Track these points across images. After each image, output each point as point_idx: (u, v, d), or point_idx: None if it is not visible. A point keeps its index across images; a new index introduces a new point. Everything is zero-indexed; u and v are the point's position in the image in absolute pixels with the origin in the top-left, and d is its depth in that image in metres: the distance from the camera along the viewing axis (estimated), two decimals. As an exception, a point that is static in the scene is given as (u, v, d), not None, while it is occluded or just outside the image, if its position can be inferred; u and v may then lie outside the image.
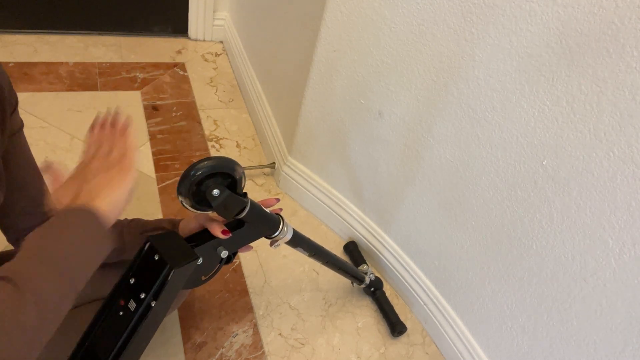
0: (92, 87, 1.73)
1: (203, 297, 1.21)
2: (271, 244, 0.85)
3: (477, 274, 1.07)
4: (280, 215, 0.82)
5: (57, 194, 0.60)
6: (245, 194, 0.70)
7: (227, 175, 0.66)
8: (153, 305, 0.61)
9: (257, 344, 1.14)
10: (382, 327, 1.25)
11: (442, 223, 1.13)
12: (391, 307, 1.26)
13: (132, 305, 0.62)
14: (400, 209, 1.24)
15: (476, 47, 0.89)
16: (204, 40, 2.15)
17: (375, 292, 1.28)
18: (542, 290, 0.93)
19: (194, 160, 0.80)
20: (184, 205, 0.66)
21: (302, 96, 1.30)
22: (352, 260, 1.37)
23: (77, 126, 1.56)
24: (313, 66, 1.21)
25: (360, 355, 1.18)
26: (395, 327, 1.22)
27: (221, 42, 2.17)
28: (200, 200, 0.65)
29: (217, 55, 2.10)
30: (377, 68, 1.10)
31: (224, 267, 1.28)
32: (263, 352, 1.13)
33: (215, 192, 0.64)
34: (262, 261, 1.33)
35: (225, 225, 0.72)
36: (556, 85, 0.80)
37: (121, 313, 0.61)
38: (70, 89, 1.70)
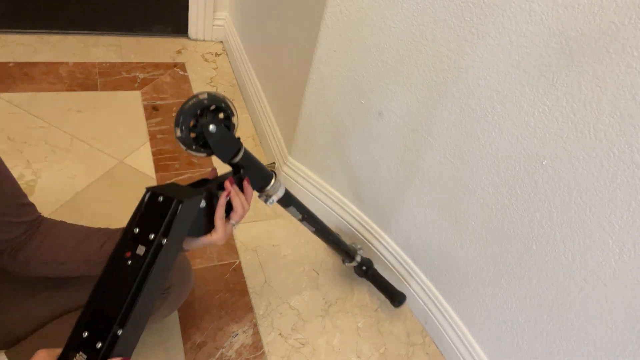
0: (92, 87, 1.73)
1: (203, 297, 1.21)
2: (265, 200, 0.85)
3: (477, 274, 1.07)
4: (274, 171, 0.84)
5: None
6: (239, 138, 0.71)
7: (221, 111, 0.67)
8: (164, 242, 0.60)
9: (257, 344, 1.14)
10: (382, 327, 1.25)
11: (442, 223, 1.13)
12: (386, 280, 1.28)
13: (140, 250, 0.59)
14: (400, 209, 1.24)
15: (476, 47, 0.89)
16: (204, 40, 2.15)
17: (367, 270, 1.28)
18: (542, 290, 0.93)
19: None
20: (183, 147, 0.65)
21: (302, 96, 1.30)
22: None
23: (77, 126, 1.56)
24: (313, 66, 1.21)
25: (360, 355, 1.18)
26: (395, 297, 1.24)
27: (221, 42, 2.17)
28: (197, 139, 0.65)
29: (217, 55, 2.10)
30: (377, 68, 1.10)
31: (224, 267, 1.28)
32: (263, 352, 1.13)
33: (212, 127, 0.65)
34: (262, 261, 1.33)
35: (223, 175, 0.73)
36: (556, 85, 0.80)
37: (129, 262, 0.59)
38: (70, 89, 1.70)
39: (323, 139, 1.34)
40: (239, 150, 0.73)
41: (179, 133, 0.65)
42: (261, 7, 1.65)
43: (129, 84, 1.79)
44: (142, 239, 0.60)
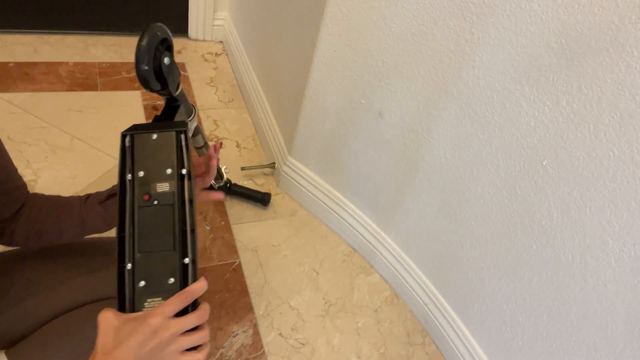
0: (92, 87, 1.73)
1: (203, 297, 1.20)
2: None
3: (477, 274, 1.07)
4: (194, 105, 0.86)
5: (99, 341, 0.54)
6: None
7: (166, 41, 0.67)
8: (184, 172, 0.60)
9: (257, 344, 1.14)
10: (382, 327, 1.25)
11: (442, 223, 1.13)
12: (248, 188, 1.45)
13: (163, 187, 0.59)
14: (400, 209, 1.24)
15: (476, 47, 0.89)
16: (204, 40, 2.15)
17: (230, 187, 1.44)
18: (542, 290, 0.93)
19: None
20: (144, 84, 0.65)
21: (302, 96, 1.30)
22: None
23: (77, 126, 1.56)
24: (313, 66, 1.21)
25: (360, 355, 1.18)
26: (264, 199, 1.44)
27: (221, 42, 2.17)
28: (156, 75, 0.66)
29: (217, 55, 2.10)
30: (377, 68, 1.10)
31: (224, 267, 1.28)
32: (263, 352, 1.13)
33: (167, 60, 0.65)
34: (262, 261, 1.33)
35: (164, 114, 0.73)
36: (556, 85, 0.80)
37: (156, 202, 0.59)
38: (70, 89, 1.70)
39: (323, 139, 1.34)
40: (179, 82, 0.73)
41: (144, 67, 0.64)
42: (261, 7, 1.65)
43: (129, 84, 1.79)
44: (156, 177, 0.60)
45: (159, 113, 0.73)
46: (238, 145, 1.68)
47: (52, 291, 0.82)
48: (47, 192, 0.77)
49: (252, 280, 1.28)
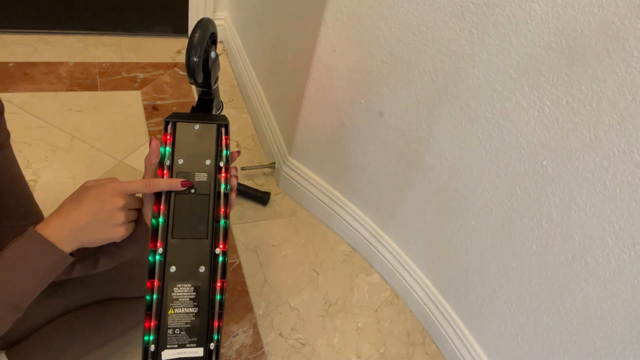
0: (92, 87, 1.73)
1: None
2: None
3: (477, 274, 1.07)
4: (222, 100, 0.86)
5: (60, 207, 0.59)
6: None
7: (214, 36, 0.69)
8: (222, 165, 0.61)
9: (257, 344, 1.15)
10: (382, 327, 1.25)
11: (442, 223, 1.13)
12: (247, 186, 1.44)
13: (201, 176, 0.60)
14: (400, 209, 1.24)
15: (476, 47, 0.89)
16: (204, 40, 2.14)
17: None
18: (542, 290, 0.93)
19: None
20: (191, 74, 0.66)
21: (302, 96, 1.30)
22: None
23: (77, 126, 1.56)
24: (313, 66, 1.21)
25: (360, 355, 1.18)
26: (264, 198, 1.44)
27: (221, 42, 2.17)
28: (202, 67, 0.66)
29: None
30: (377, 68, 1.10)
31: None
32: (263, 352, 1.13)
33: (213, 54, 0.67)
34: (262, 261, 1.33)
35: (198, 105, 0.74)
36: (556, 85, 0.80)
37: (193, 191, 0.60)
38: (70, 89, 1.70)
39: (323, 139, 1.34)
40: (217, 77, 0.74)
41: (195, 59, 0.65)
42: (261, 7, 1.65)
43: (129, 84, 1.79)
44: (195, 166, 0.61)
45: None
46: (238, 145, 1.68)
47: (51, 293, 0.82)
48: (47, 192, 0.76)
49: (252, 280, 1.28)
